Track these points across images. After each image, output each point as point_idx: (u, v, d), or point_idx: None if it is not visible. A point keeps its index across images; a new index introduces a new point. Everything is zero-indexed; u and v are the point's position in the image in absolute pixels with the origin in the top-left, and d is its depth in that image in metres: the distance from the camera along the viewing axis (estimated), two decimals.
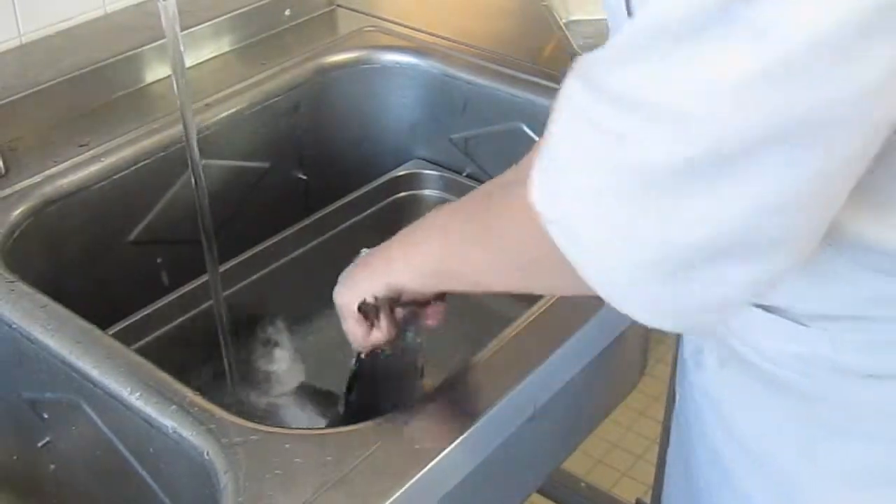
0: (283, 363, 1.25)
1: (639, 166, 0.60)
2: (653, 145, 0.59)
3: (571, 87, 0.64)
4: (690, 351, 0.94)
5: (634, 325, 0.71)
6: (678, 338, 1.01)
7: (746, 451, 0.87)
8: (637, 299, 0.67)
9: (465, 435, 0.82)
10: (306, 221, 1.32)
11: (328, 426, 1.05)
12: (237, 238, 1.26)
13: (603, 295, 0.68)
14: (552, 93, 1.26)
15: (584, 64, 0.63)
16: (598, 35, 1.38)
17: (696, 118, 0.57)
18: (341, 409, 1.00)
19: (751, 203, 0.59)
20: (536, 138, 1.31)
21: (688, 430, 0.98)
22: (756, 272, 0.63)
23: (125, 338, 1.06)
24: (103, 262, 1.19)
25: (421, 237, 0.86)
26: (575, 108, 0.64)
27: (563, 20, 1.41)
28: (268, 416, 1.16)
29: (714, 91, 0.56)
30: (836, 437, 0.80)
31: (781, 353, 0.80)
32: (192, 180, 1.05)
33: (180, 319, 1.19)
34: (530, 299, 0.97)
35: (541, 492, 1.85)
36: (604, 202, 0.63)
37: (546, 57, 1.38)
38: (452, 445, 0.81)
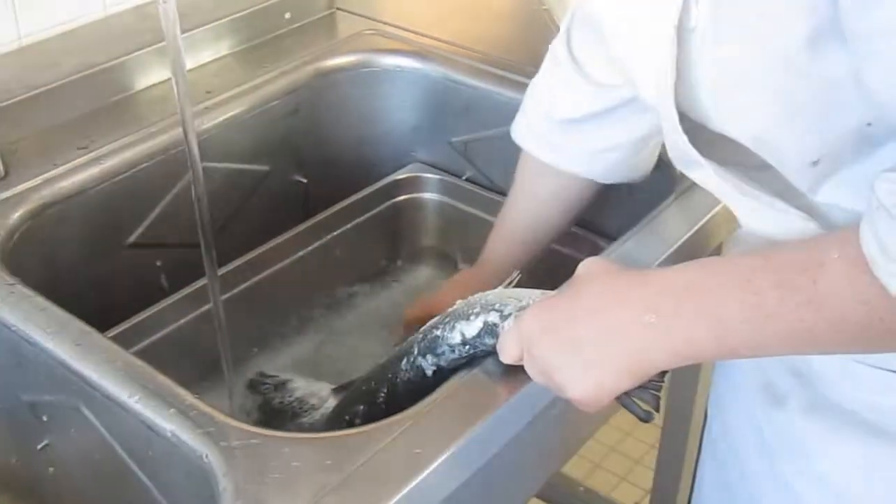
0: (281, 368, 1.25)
1: None
2: None
3: None
4: (757, 384, 0.93)
5: None
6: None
7: (824, 485, 0.88)
8: None
9: (464, 440, 0.82)
10: (306, 224, 1.32)
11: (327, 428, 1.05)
12: (237, 241, 1.26)
13: None
14: None
15: None
16: None
17: None
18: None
19: None
20: None
21: (732, 454, 0.98)
22: None
23: (124, 341, 1.05)
24: (103, 265, 1.19)
25: (692, 330, 0.73)
26: None
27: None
28: (265, 421, 1.16)
29: None
30: None
31: (881, 404, 0.82)
32: (192, 183, 1.05)
33: (179, 323, 1.19)
34: None
35: (539, 496, 1.85)
36: None
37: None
38: (451, 450, 0.81)
